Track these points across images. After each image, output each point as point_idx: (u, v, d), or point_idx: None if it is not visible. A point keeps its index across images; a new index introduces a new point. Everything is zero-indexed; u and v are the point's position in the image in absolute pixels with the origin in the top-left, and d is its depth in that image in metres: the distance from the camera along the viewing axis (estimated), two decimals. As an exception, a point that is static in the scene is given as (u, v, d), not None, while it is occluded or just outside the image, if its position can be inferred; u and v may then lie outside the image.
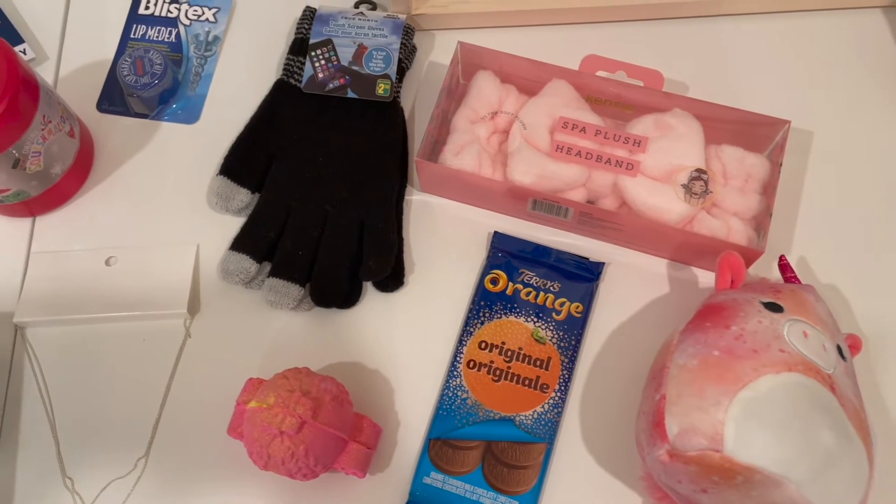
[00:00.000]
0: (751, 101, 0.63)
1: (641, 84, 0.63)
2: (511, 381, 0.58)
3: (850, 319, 0.60)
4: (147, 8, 0.72)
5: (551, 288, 0.60)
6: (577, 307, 0.60)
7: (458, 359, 0.59)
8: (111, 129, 0.68)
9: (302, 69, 0.67)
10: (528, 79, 0.63)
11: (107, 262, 0.63)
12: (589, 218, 0.59)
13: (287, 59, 0.67)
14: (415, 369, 0.60)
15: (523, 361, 0.58)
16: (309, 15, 0.68)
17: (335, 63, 0.66)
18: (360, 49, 0.66)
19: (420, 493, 0.55)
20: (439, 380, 0.59)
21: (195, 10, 0.72)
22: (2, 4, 0.71)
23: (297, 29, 0.68)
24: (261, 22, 0.72)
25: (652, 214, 0.57)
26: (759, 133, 0.61)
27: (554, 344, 0.59)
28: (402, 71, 0.67)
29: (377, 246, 0.61)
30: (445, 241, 0.64)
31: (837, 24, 0.70)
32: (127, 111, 0.69)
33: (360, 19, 0.67)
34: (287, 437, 0.50)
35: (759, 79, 0.68)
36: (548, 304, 0.60)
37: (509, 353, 0.58)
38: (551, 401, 0.57)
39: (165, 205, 0.65)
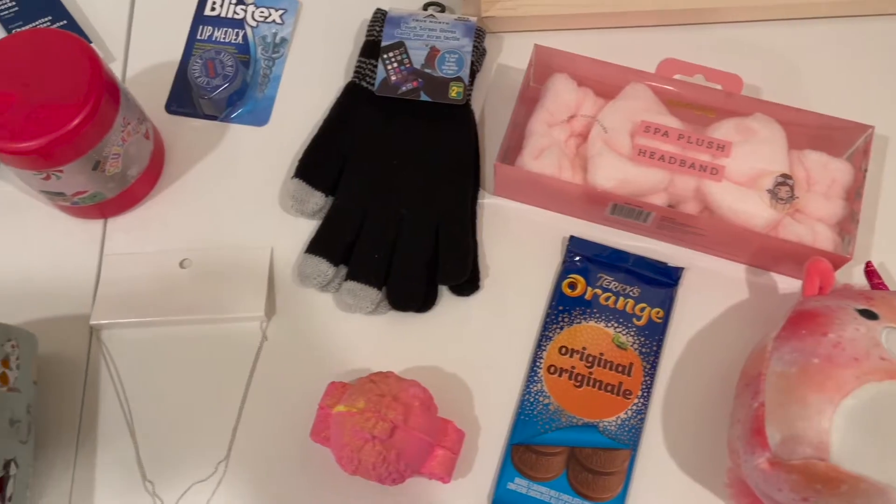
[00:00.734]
0: (823, 105, 0.63)
1: (720, 88, 0.62)
2: (593, 386, 0.57)
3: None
4: (213, 9, 0.72)
5: (631, 293, 0.60)
6: (658, 312, 0.59)
7: (537, 364, 0.58)
8: (180, 131, 0.68)
9: (374, 72, 0.66)
10: (602, 82, 0.63)
11: (181, 265, 0.62)
12: (669, 222, 0.59)
13: (358, 61, 0.67)
14: (492, 374, 0.59)
15: (605, 367, 0.58)
16: (380, 17, 0.68)
17: (408, 66, 0.66)
18: (433, 52, 0.66)
19: (504, 498, 0.55)
20: (518, 385, 0.59)
21: (262, 12, 0.72)
22: (68, 6, 0.71)
23: (368, 31, 0.68)
24: (327, 23, 0.72)
25: (738, 220, 0.57)
26: (835, 138, 0.61)
27: (635, 350, 0.58)
28: (472, 74, 0.67)
29: (454, 250, 0.61)
30: (519, 245, 0.63)
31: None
32: (195, 113, 0.68)
33: (431, 21, 0.67)
34: (379, 442, 0.50)
35: (831, 82, 0.68)
36: (628, 309, 0.59)
37: (590, 359, 0.58)
38: (634, 407, 0.57)
39: (236, 207, 0.65)
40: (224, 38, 0.71)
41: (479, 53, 0.67)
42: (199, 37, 0.71)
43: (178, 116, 0.68)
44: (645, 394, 0.57)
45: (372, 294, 0.60)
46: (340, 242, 0.61)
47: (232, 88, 0.67)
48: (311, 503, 0.56)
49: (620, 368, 0.58)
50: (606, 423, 0.56)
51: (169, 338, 0.61)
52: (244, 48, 0.71)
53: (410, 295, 0.60)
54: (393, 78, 0.65)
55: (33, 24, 0.69)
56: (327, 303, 0.62)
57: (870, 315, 0.50)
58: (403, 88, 0.65)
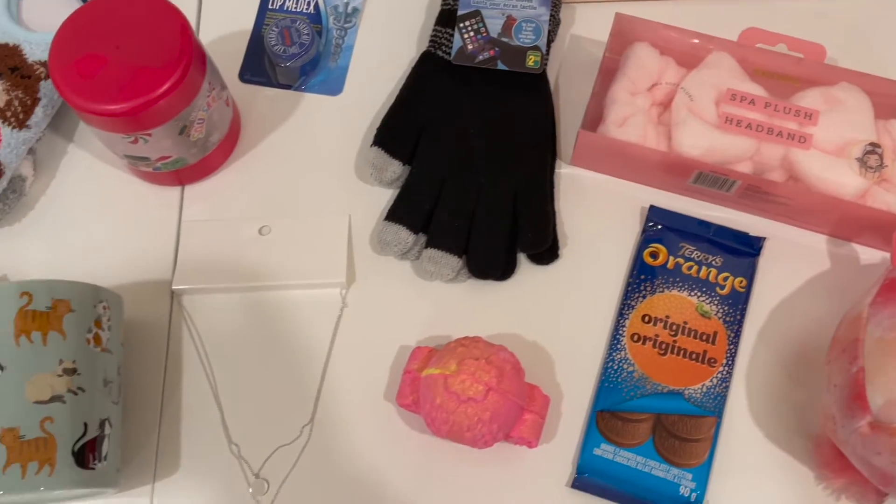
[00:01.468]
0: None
1: (802, 57, 0.62)
2: (678, 354, 0.57)
3: None
4: (285, -21, 0.72)
5: (713, 262, 0.60)
6: (741, 282, 0.59)
7: (620, 332, 0.58)
8: (254, 100, 0.68)
9: (450, 41, 0.66)
10: (683, 51, 0.62)
11: (259, 231, 0.63)
12: (754, 192, 0.59)
13: (434, 30, 0.67)
14: (573, 341, 0.59)
15: (689, 336, 0.58)
16: (455, -14, 0.67)
17: (484, 35, 0.65)
18: (509, 20, 0.66)
19: (590, 464, 0.55)
20: (600, 352, 0.59)
21: (333, -18, 0.71)
22: (139, -25, 0.71)
23: (444, 0, 0.67)
24: (398, -7, 0.72)
25: (826, 188, 0.57)
26: (918, 108, 0.60)
27: (719, 318, 0.58)
28: (548, 43, 0.66)
29: (535, 218, 0.61)
30: (597, 214, 0.63)
31: None
32: (269, 81, 0.68)
33: (506, -9, 0.66)
34: (474, 403, 0.50)
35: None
36: (710, 278, 0.59)
37: (674, 327, 0.58)
38: (719, 375, 0.57)
39: (311, 176, 0.65)
40: (296, 8, 0.71)
41: (555, 23, 0.67)
42: (270, 6, 0.71)
43: (252, 85, 0.69)
44: (729, 362, 0.57)
45: (452, 261, 0.60)
46: (420, 210, 0.62)
47: (307, 57, 0.67)
48: (396, 466, 0.56)
49: (705, 337, 0.58)
50: (692, 391, 0.56)
51: (249, 303, 0.61)
52: (316, 18, 0.70)
53: (491, 263, 0.60)
54: (469, 47, 0.65)
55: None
56: (404, 271, 0.62)
57: (967, 282, 0.50)
58: (480, 57, 0.65)
